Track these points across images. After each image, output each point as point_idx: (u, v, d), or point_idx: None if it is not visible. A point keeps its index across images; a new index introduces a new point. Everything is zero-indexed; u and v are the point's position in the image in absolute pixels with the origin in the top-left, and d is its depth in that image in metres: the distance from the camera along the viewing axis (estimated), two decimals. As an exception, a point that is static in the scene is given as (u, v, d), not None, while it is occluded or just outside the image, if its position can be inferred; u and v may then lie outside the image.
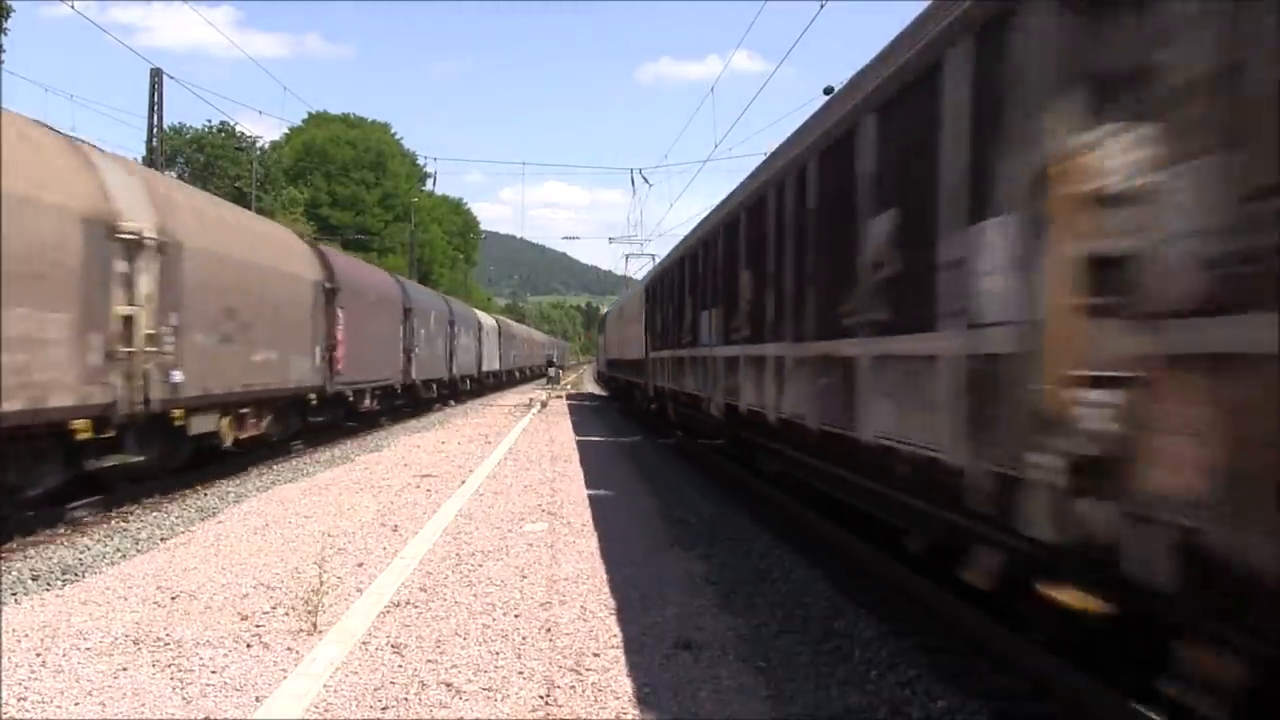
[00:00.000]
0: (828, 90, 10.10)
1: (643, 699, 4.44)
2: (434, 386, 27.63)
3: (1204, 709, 3.00)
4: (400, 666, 4.85)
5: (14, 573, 7.11)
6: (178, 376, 10.20)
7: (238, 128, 49.96)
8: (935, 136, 4.70)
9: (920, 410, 4.83)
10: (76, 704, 4.32)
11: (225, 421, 12.04)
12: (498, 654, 5.08)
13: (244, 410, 12.69)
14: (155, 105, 28.92)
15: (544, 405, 30.23)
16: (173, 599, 6.19)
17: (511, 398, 37.06)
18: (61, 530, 8.89)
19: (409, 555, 7.53)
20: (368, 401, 19.86)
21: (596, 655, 5.06)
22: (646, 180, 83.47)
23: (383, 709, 4.28)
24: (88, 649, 5.10)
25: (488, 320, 40.94)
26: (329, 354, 16.19)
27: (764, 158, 10.06)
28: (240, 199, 38.65)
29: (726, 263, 10.61)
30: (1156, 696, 3.88)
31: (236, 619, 5.71)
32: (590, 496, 10.85)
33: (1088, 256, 3.28)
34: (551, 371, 50.13)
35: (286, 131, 61.77)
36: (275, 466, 13.96)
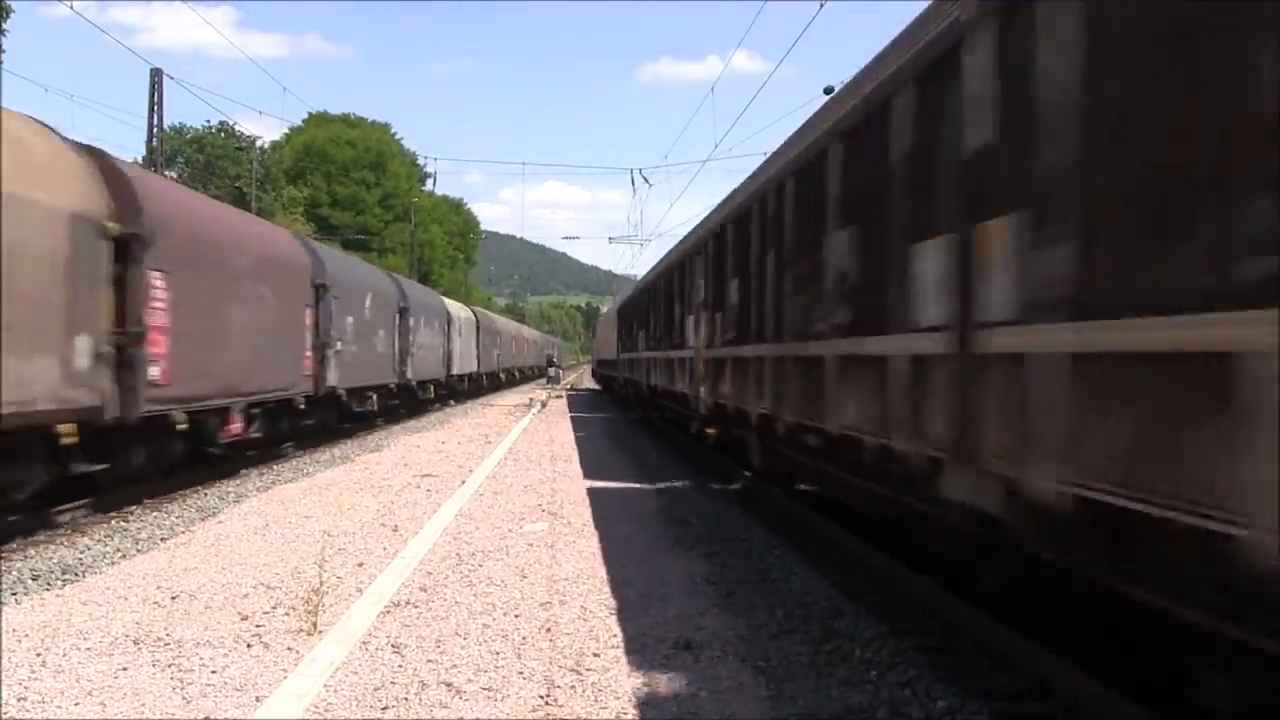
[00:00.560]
0: (828, 90, 10.08)
1: (643, 699, 4.44)
2: (372, 398, 19.76)
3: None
4: (400, 666, 4.85)
5: (14, 573, 7.11)
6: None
7: (237, 128, 49.94)
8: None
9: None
10: (76, 704, 4.32)
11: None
12: (498, 654, 5.08)
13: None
14: (155, 105, 28.94)
15: (544, 405, 30.24)
16: (173, 599, 6.19)
17: (511, 398, 37.08)
18: (61, 530, 8.89)
19: (409, 555, 7.54)
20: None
21: (597, 655, 5.06)
22: (647, 180, 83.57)
23: (383, 709, 4.29)
24: (88, 649, 5.11)
25: (461, 312, 33.84)
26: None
27: (764, 158, 10.06)
28: (240, 199, 38.66)
29: (655, 301, 17.58)
30: (1156, 696, 3.88)
31: (237, 619, 5.71)
32: (589, 492, 10.87)
33: None
34: (551, 371, 50.01)
35: (286, 131, 61.80)
36: (275, 467, 13.96)
